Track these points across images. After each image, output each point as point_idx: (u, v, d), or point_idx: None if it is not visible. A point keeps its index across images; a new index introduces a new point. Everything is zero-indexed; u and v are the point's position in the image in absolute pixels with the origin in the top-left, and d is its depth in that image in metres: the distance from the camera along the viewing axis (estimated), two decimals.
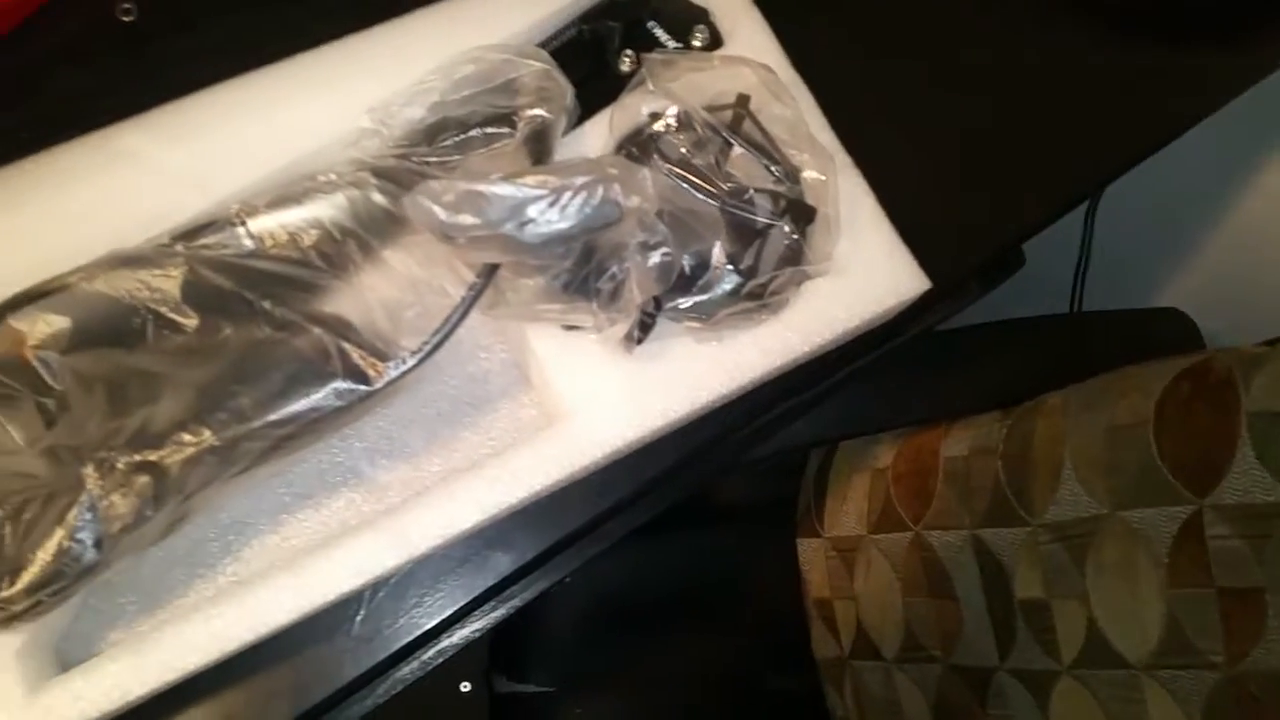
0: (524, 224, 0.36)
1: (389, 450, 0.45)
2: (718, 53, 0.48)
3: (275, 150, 0.43)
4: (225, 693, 0.42)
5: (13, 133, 0.48)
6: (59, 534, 0.36)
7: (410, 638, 0.45)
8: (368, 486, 0.44)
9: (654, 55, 0.45)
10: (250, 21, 0.50)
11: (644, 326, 0.42)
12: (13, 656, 0.38)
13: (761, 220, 0.43)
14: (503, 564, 0.46)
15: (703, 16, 0.49)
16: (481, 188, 0.36)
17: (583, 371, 0.43)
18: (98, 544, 0.36)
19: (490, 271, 0.40)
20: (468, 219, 0.36)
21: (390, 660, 0.45)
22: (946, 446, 0.66)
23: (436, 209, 0.36)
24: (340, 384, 0.38)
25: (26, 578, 0.36)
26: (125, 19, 0.50)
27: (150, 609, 0.42)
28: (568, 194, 0.36)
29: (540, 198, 0.36)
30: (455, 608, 0.46)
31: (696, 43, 0.48)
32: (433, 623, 0.45)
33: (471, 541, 0.44)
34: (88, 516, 0.36)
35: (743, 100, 0.44)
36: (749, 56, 0.46)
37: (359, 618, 0.44)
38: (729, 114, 0.45)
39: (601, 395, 0.43)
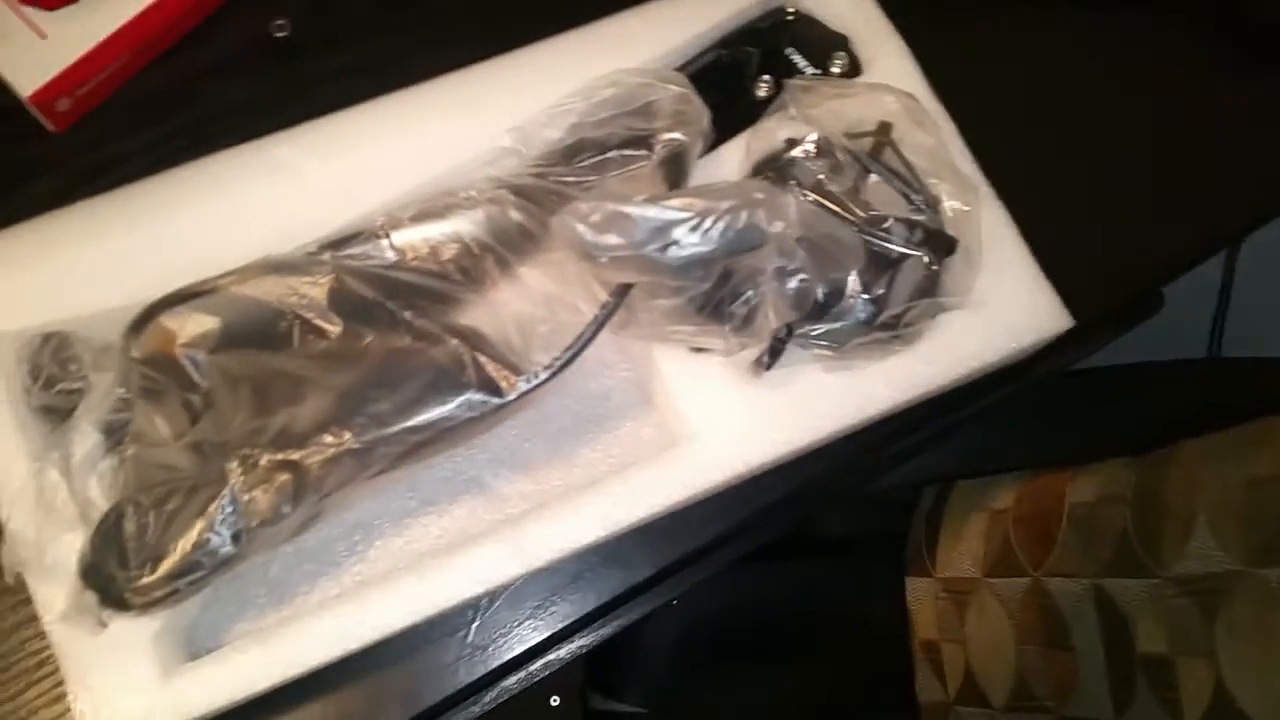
0: (667, 246, 0.36)
1: (511, 462, 0.45)
2: (859, 80, 0.47)
3: (418, 166, 0.45)
4: (343, 690, 0.43)
5: (170, 140, 0.50)
6: (199, 525, 0.37)
7: (522, 648, 0.45)
8: (489, 496, 0.45)
9: (795, 81, 0.45)
10: (397, 42, 0.52)
11: (774, 352, 0.42)
12: (149, 640, 0.39)
13: (898, 249, 0.42)
14: (615, 582, 0.46)
15: (842, 43, 0.48)
16: (627, 209, 0.36)
17: (708, 394, 0.43)
18: (236, 537, 0.38)
19: (623, 291, 0.40)
20: (612, 239, 0.36)
21: (501, 670, 0.46)
22: (1072, 491, 0.64)
23: (582, 228, 0.36)
24: (474, 395, 0.39)
25: (166, 565, 0.37)
26: (279, 35, 0.52)
27: (277, 603, 0.43)
28: (712, 217, 0.36)
29: (685, 220, 0.36)
30: (566, 622, 0.46)
31: (835, 69, 0.48)
32: (543, 635, 0.45)
33: (587, 557, 0.44)
34: (229, 510, 0.38)
35: (884, 128, 0.44)
36: (890, 84, 0.46)
37: (474, 625, 0.45)
38: (869, 141, 0.44)
39: (726, 418, 0.43)
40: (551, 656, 0.49)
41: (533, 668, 0.49)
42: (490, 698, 0.48)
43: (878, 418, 0.44)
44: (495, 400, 0.39)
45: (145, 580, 0.37)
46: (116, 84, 0.50)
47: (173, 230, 0.45)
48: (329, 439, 0.38)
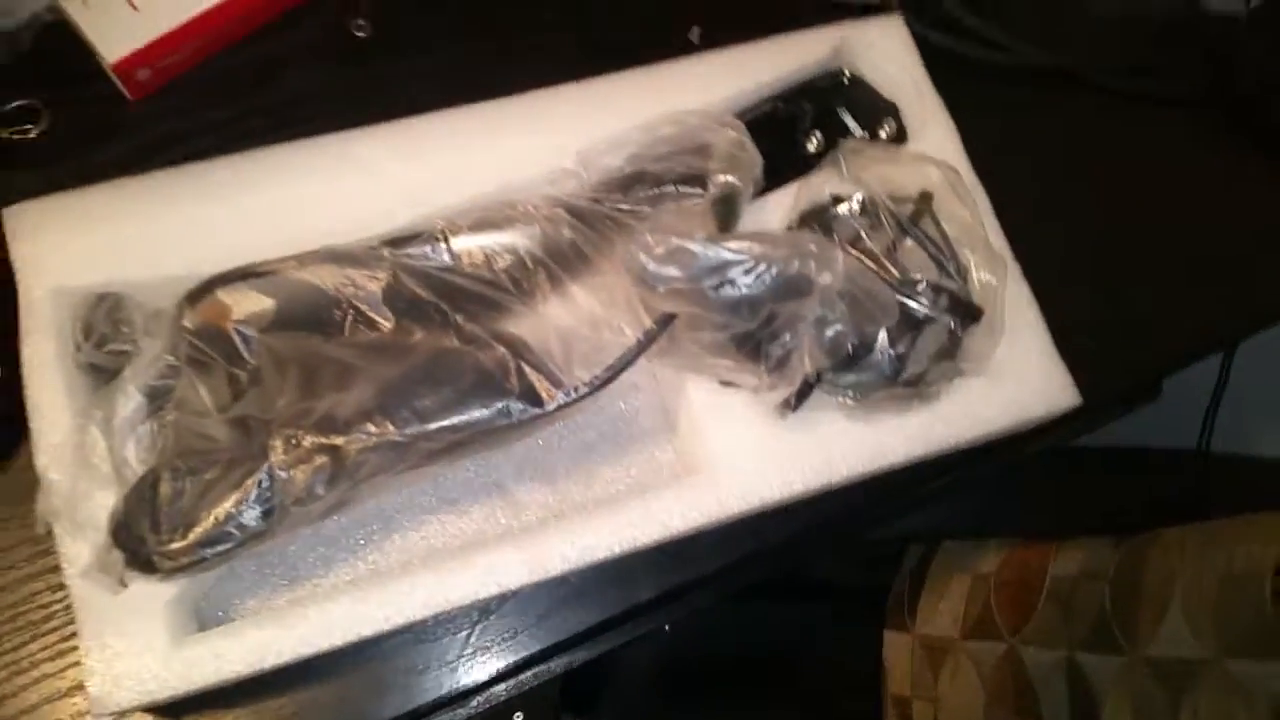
0: (721, 285, 0.38)
1: (533, 470, 0.47)
2: (906, 148, 0.49)
3: (482, 177, 0.46)
4: (344, 676, 0.44)
5: (239, 122, 0.52)
6: (235, 497, 0.38)
7: (518, 657, 0.46)
8: (509, 501, 0.46)
9: (847, 142, 0.47)
10: (472, 55, 0.54)
11: (801, 395, 0.43)
12: (164, 605, 0.40)
13: (926, 312, 0.44)
14: (616, 601, 0.47)
15: (892, 111, 0.51)
16: (691, 246, 0.38)
17: (731, 427, 0.45)
18: (268, 514, 0.39)
19: (668, 320, 0.41)
20: (672, 271, 0.38)
21: (497, 677, 0.46)
22: (1055, 564, 0.66)
23: (645, 258, 0.38)
24: (514, 403, 0.40)
25: (197, 533, 0.38)
26: (359, 34, 0.54)
27: (290, 583, 0.44)
28: (766, 263, 0.38)
29: (741, 263, 0.38)
30: (567, 634, 0.47)
31: (883, 134, 0.50)
32: (542, 646, 0.47)
33: (593, 573, 0.45)
34: (265, 486, 0.39)
35: (926, 197, 0.46)
36: (934, 155, 0.48)
37: (479, 627, 0.46)
38: (910, 206, 0.46)
39: (746, 452, 0.44)
40: (540, 669, 0.50)
41: (522, 678, 0.50)
42: (477, 703, 0.49)
43: (889, 469, 0.46)
44: (534, 410, 0.41)
45: (175, 545, 0.38)
46: (195, 61, 0.52)
47: (238, 209, 0.46)
48: (371, 428, 0.39)
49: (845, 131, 0.51)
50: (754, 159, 0.46)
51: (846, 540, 0.63)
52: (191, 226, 0.45)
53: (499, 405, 0.40)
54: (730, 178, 0.46)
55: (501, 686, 0.49)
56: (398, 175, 0.47)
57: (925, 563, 0.76)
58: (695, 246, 0.38)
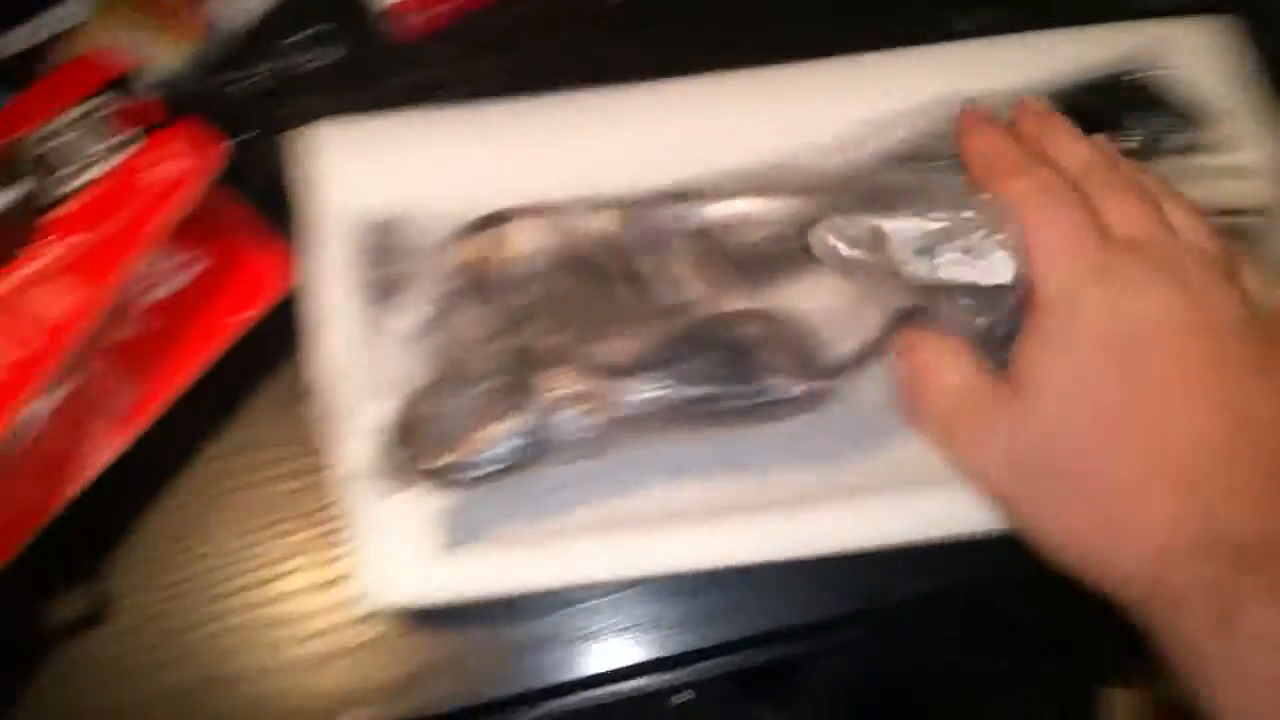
0: (936, 265, 0.35)
1: (784, 449, 0.45)
2: (1225, 160, 0.46)
3: (751, 143, 0.45)
4: (560, 618, 0.45)
5: (500, 75, 0.53)
6: (503, 426, 0.39)
7: (741, 635, 0.46)
8: (756, 475, 0.45)
9: (1164, 143, 0.44)
10: (728, 25, 0.54)
11: None
12: (424, 519, 0.42)
13: None
14: (826, 604, 0.46)
15: (1206, 123, 0.47)
16: (885, 224, 0.35)
17: None
18: (530, 447, 0.40)
19: (905, 313, 0.40)
20: (866, 255, 0.35)
21: (710, 651, 0.46)
22: None
23: (838, 243, 0.35)
24: (778, 381, 0.40)
25: (461, 454, 0.40)
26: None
27: (534, 518, 0.45)
28: (980, 235, 0.35)
29: (947, 237, 0.35)
30: (778, 625, 0.46)
31: (1189, 143, 0.46)
32: (757, 630, 0.46)
33: (814, 566, 0.43)
34: (532, 420, 0.39)
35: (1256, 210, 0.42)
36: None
37: (693, 600, 0.46)
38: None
39: None
40: (730, 658, 0.48)
41: (715, 661, 0.49)
42: (677, 675, 0.48)
43: None
44: (795, 392, 0.40)
45: (439, 463, 0.40)
46: (459, 14, 0.54)
47: (518, 152, 0.47)
48: (641, 383, 0.40)
49: (1148, 135, 0.47)
50: None
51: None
52: (473, 164, 0.46)
53: (763, 383, 0.40)
54: None
55: (705, 664, 0.48)
56: (668, 134, 0.47)
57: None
58: (888, 223, 0.35)
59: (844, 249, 0.37)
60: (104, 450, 0.43)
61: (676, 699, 0.66)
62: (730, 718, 0.74)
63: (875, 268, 0.37)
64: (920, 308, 0.40)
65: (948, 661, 0.75)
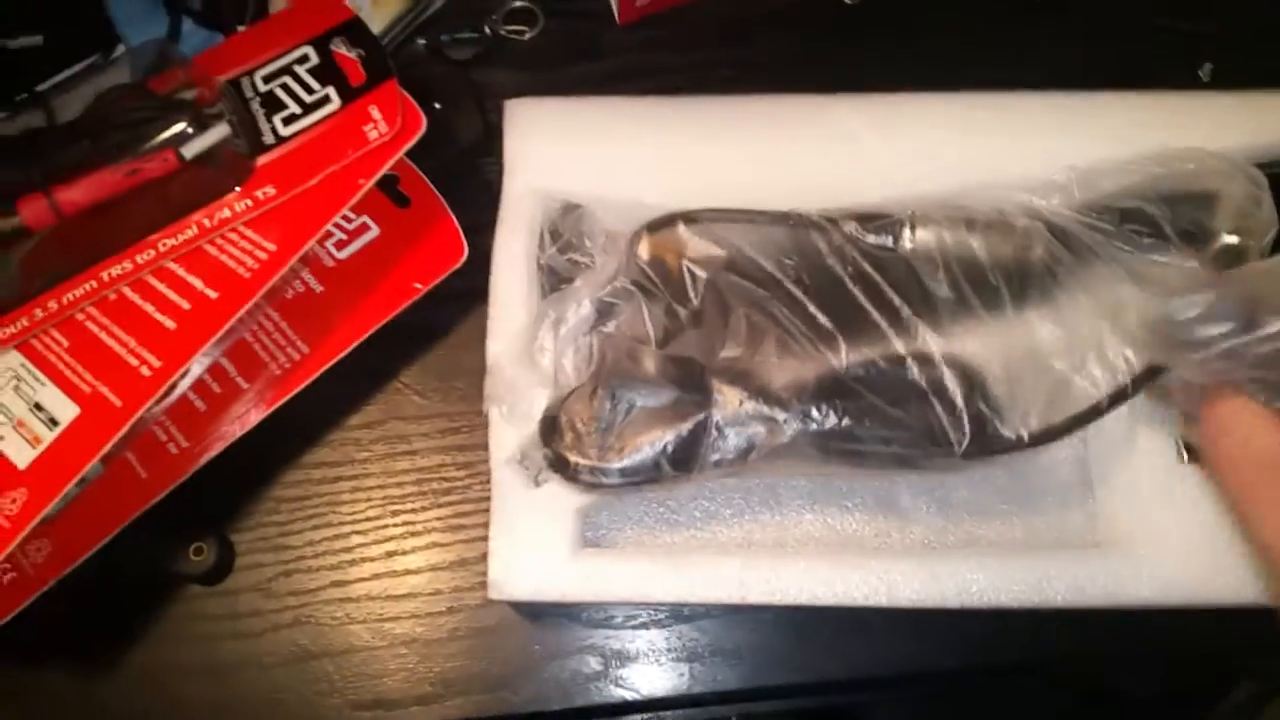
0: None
1: (928, 490, 0.44)
2: None
3: (960, 169, 0.44)
4: (677, 631, 0.44)
5: (715, 69, 0.52)
6: (669, 435, 0.38)
7: (809, 680, 0.44)
8: (897, 514, 0.44)
9: None
10: (960, 45, 0.51)
11: None
12: (567, 514, 0.41)
13: None
14: (932, 657, 0.44)
15: None
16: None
17: (1177, 506, 0.40)
18: (691, 459, 0.38)
19: (1151, 375, 0.38)
20: (1216, 329, 0.33)
21: (787, 690, 0.44)
22: None
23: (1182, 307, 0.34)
24: (952, 434, 0.38)
25: (624, 457, 0.38)
26: (847, 1, 0.52)
27: (671, 526, 0.44)
28: None
29: None
30: (849, 675, 0.44)
31: None
32: (820, 677, 0.44)
33: (923, 616, 0.41)
34: (700, 433, 0.38)
35: None
36: None
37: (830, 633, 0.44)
38: None
39: (1186, 539, 0.40)
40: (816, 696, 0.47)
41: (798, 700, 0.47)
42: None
43: None
44: (971, 451, 0.38)
45: (601, 463, 0.39)
46: (684, 1, 0.53)
47: (716, 151, 0.46)
48: (813, 413, 0.38)
49: None
50: (1271, 222, 0.41)
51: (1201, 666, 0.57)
52: (667, 157, 0.46)
53: (935, 437, 0.38)
54: (1237, 239, 0.41)
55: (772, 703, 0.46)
56: (873, 150, 0.46)
57: (1257, 705, 0.68)
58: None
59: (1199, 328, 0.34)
60: (255, 408, 0.43)
61: None
62: None
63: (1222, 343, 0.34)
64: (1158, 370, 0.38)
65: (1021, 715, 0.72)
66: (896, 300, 0.41)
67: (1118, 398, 0.38)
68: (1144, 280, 0.41)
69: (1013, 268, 0.42)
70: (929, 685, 0.49)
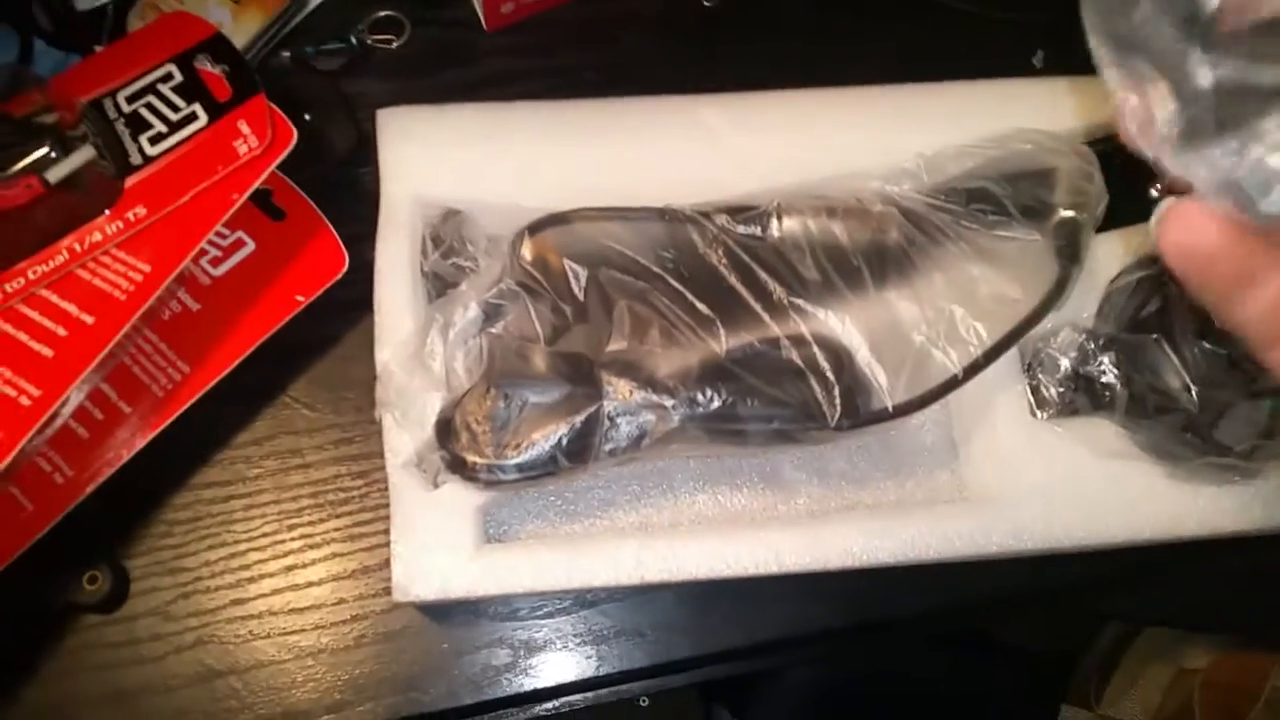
0: None
1: (809, 462, 0.47)
2: None
3: (818, 162, 0.46)
4: (575, 619, 0.46)
5: (581, 72, 0.53)
6: (562, 429, 0.39)
7: (742, 644, 0.46)
8: (781, 487, 0.46)
9: None
10: (810, 45, 0.54)
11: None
12: (466, 512, 0.42)
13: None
14: (824, 618, 0.47)
15: None
16: None
17: (1034, 461, 0.44)
18: (584, 451, 0.40)
19: (1002, 348, 0.41)
20: None
21: (693, 661, 0.46)
22: (1277, 674, 0.62)
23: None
24: (826, 409, 0.40)
25: (520, 453, 0.40)
26: (707, 4, 0.55)
27: (569, 517, 0.45)
28: None
29: None
30: (749, 641, 0.46)
31: None
32: (723, 646, 0.46)
33: (808, 582, 0.44)
34: (592, 425, 0.39)
35: None
36: None
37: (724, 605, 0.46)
38: None
39: (1043, 491, 0.43)
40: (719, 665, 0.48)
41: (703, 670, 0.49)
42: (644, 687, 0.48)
43: (1185, 538, 0.44)
44: (845, 423, 0.41)
45: (497, 460, 0.40)
46: (553, 5, 0.54)
47: (585, 153, 0.47)
48: (698, 398, 0.40)
49: None
50: (1100, 195, 0.45)
51: (1060, 609, 0.61)
52: (542, 160, 0.47)
53: (811, 412, 0.40)
54: (1073, 214, 0.45)
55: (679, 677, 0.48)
56: (737, 146, 0.48)
57: (1123, 643, 0.73)
58: None
59: None
60: (140, 433, 0.43)
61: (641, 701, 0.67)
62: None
63: None
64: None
65: (914, 675, 0.77)
66: (770, 285, 0.43)
67: (973, 369, 0.42)
68: (991, 256, 0.44)
69: (872, 250, 0.45)
70: (825, 646, 0.51)
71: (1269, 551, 0.48)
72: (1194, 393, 0.41)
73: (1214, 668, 0.66)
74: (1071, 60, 0.52)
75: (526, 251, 0.44)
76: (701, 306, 0.43)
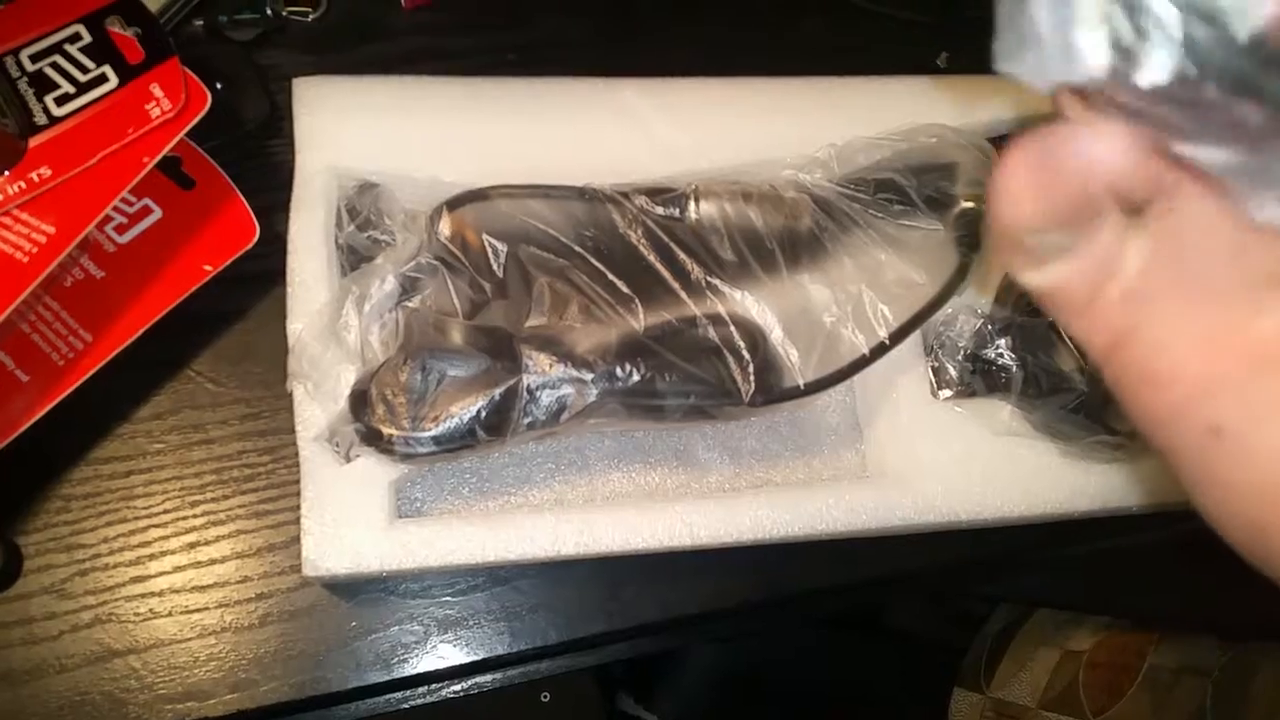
0: None
1: (720, 441, 0.48)
2: None
3: (735, 148, 0.48)
4: (488, 598, 0.46)
5: (502, 51, 0.54)
6: (480, 402, 0.39)
7: (656, 619, 0.47)
8: (693, 464, 0.47)
9: None
10: (733, 33, 0.55)
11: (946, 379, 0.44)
12: (380, 487, 0.41)
13: None
14: (736, 593, 0.48)
15: None
16: None
17: (933, 440, 0.46)
18: (503, 424, 0.40)
19: (907, 330, 0.43)
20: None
21: (606, 637, 0.47)
22: (1156, 653, 0.66)
23: None
24: (740, 388, 0.41)
25: (437, 426, 0.39)
26: None
27: (484, 494, 0.45)
28: None
29: None
30: (662, 617, 0.47)
31: None
32: (636, 622, 0.47)
33: (713, 558, 0.45)
34: (510, 399, 0.40)
35: None
36: None
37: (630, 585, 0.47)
38: None
39: (942, 468, 0.45)
40: (610, 648, 0.49)
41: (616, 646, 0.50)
42: (546, 666, 0.48)
43: (1078, 514, 0.46)
44: (758, 400, 0.42)
45: (414, 433, 0.39)
46: None
47: (505, 130, 0.47)
48: (617, 373, 0.40)
49: None
50: None
51: (956, 587, 0.64)
52: (462, 137, 0.46)
53: (726, 388, 0.41)
54: (974, 204, 0.47)
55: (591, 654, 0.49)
56: (657, 129, 0.48)
57: (1012, 627, 0.76)
58: None
59: None
60: (37, 403, 0.41)
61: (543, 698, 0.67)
62: (592, 707, 0.74)
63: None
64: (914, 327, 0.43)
65: (810, 659, 0.79)
66: (688, 265, 0.44)
67: (879, 350, 0.43)
68: (897, 243, 0.46)
69: (785, 235, 0.46)
70: (731, 623, 0.52)
71: (1152, 532, 0.51)
72: (1084, 374, 0.43)
73: (1097, 648, 0.69)
74: (973, 61, 0.55)
75: (445, 227, 0.44)
76: (621, 284, 0.43)
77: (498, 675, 0.47)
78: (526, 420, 0.40)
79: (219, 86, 0.46)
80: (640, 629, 0.47)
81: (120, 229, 0.44)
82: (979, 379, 0.46)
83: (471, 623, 0.45)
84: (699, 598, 0.47)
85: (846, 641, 0.81)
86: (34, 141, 0.38)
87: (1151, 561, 0.67)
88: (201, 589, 0.43)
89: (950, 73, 0.55)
